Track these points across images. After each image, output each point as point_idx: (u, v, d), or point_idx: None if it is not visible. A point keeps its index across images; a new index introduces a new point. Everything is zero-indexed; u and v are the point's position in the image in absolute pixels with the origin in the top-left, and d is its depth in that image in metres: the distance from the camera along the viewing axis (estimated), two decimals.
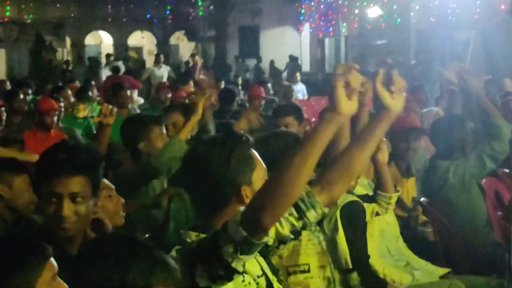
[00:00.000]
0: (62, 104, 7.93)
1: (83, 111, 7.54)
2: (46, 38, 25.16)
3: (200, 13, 26.95)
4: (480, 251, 4.86)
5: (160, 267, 2.04)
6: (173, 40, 29.16)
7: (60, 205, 2.71)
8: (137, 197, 4.73)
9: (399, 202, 4.98)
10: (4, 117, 7.72)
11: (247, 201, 2.44)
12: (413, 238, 4.82)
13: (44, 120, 6.99)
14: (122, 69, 17.55)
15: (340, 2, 24.14)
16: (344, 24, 24.87)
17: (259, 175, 2.56)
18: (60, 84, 11.91)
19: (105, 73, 17.47)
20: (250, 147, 2.59)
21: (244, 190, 2.51)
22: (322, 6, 25.50)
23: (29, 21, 26.55)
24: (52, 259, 2.41)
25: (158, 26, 28.01)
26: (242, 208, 2.28)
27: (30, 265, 2.36)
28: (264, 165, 2.60)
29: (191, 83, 13.51)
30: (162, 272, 2.04)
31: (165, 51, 25.29)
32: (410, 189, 5.57)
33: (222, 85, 13.64)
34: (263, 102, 8.65)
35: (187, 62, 21.25)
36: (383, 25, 22.06)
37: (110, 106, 4.86)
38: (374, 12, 22.68)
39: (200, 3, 26.81)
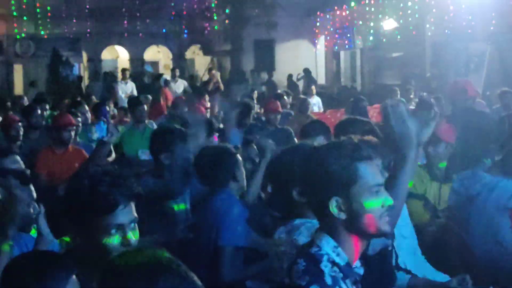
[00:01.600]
0: (79, 119, 8.01)
1: (95, 133, 7.70)
2: (62, 53, 25.30)
3: (216, 27, 27.05)
4: (501, 265, 4.82)
5: (185, 284, 2.02)
6: (188, 54, 29.26)
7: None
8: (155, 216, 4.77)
9: (428, 204, 4.98)
10: (21, 132, 7.80)
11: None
12: (432, 248, 4.79)
13: (61, 135, 7.06)
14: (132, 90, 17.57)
15: (355, 15, 24.16)
16: (360, 36, 24.87)
17: None
18: (78, 99, 11.97)
19: (121, 87, 17.56)
20: None
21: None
22: (337, 19, 25.53)
23: (45, 36, 26.73)
24: (75, 276, 2.43)
25: (174, 40, 28.12)
26: None
27: (55, 278, 2.39)
28: None
29: (207, 97, 13.59)
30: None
31: (181, 65, 25.37)
32: (445, 194, 5.49)
33: (238, 98, 13.68)
34: (279, 116, 8.68)
35: (206, 81, 21.29)
36: (398, 38, 22.04)
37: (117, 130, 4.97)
38: (389, 24, 22.68)
39: (215, 17, 26.92)
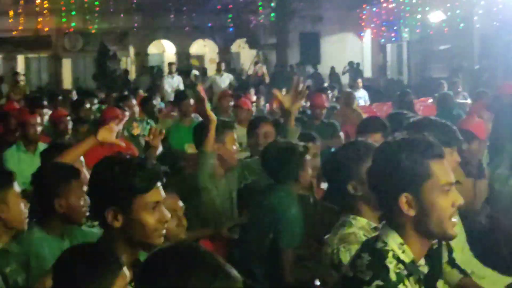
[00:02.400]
0: (127, 113, 8.09)
1: (136, 129, 7.71)
2: (110, 47, 25.59)
3: (261, 21, 27.05)
4: None
5: (222, 280, 2.03)
6: (234, 48, 29.34)
7: (161, 212, 2.73)
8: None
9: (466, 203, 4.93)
10: (70, 126, 7.92)
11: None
12: (479, 244, 4.74)
13: None
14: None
15: (402, 7, 23.93)
16: (406, 29, 24.65)
17: None
18: (125, 93, 12.10)
19: (168, 82, 17.67)
20: None
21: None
22: (383, 11, 25.33)
23: (93, 31, 27.06)
24: (125, 268, 2.47)
25: (220, 34, 28.21)
26: None
27: (105, 272, 2.43)
28: None
29: (252, 91, 13.61)
30: (222, 283, 2.03)
31: (226, 59, 25.46)
32: (482, 190, 5.46)
33: (284, 93, 13.67)
34: (324, 111, 8.66)
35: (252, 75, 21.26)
36: (446, 30, 21.78)
37: (159, 128, 4.99)
38: (436, 17, 22.42)
39: (261, 11, 26.92)
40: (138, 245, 2.74)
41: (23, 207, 3.39)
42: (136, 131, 7.85)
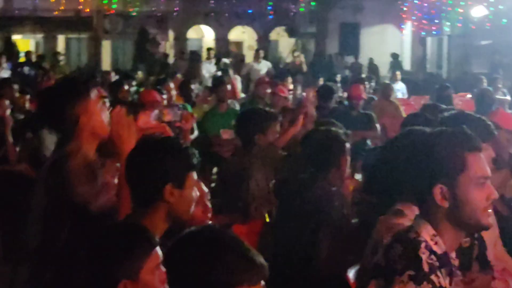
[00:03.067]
0: (164, 97, 8.14)
1: (167, 116, 7.75)
2: (150, 31, 25.69)
3: (302, 9, 26.95)
4: None
5: (247, 266, 2.04)
6: (273, 35, 29.28)
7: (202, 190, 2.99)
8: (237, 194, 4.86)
9: (504, 200, 4.88)
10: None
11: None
12: None
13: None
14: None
15: (444, 0, 23.67)
16: (448, 23, 24.37)
17: None
18: (163, 76, 12.16)
19: (205, 67, 17.71)
20: None
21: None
22: (425, 4, 25.06)
23: (134, 14, 27.20)
24: (158, 248, 2.49)
25: (259, 21, 28.16)
26: None
27: (137, 252, 2.46)
28: None
29: (289, 79, 13.58)
30: (249, 271, 2.04)
31: (265, 46, 25.42)
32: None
33: (321, 82, 13.65)
34: (362, 102, 8.63)
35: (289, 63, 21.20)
36: (488, 25, 21.50)
37: (191, 113, 5.10)
38: (479, 11, 22.14)
39: None
40: (177, 221, 2.85)
41: (105, 116, 3.53)
42: (167, 118, 7.87)
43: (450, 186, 2.44)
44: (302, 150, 4.69)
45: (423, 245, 2.45)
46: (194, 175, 2.87)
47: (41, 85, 8.96)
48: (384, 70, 23.31)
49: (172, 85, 9.29)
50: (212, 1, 27.40)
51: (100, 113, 3.52)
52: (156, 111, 7.02)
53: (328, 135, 4.56)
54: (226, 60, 19.54)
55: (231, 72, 16.65)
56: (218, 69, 17.60)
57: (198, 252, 2.06)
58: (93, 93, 3.53)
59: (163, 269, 2.48)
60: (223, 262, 2.03)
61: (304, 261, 4.33)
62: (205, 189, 3.46)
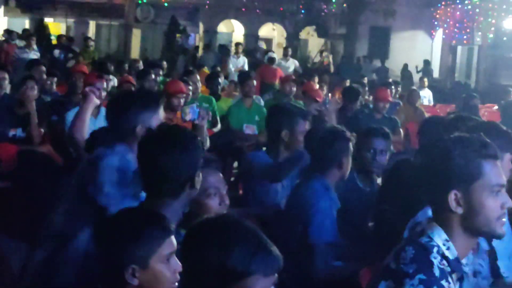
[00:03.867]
0: (190, 88, 8.16)
1: (189, 115, 7.74)
2: (180, 22, 25.77)
3: (333, 10, 26.89)
4: None
5: (261, 256, 2.06)
6: (303, 34, 29.25)
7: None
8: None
9: None
10: None
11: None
12: None
13: (171, 101, 7.21)
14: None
15: (477, 10, 23.53)
16: (479, 33, 24.22)
17: None
18: (190, 68, 12.20)
19: (233, 61, 17.75)
20: None
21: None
22: (458, 13, 24.93)
23: (166, 4, 27.29)
24: (172, 237, 2.50)
25: (290, 19, 28.14)
26: None
27: (148, 238, 2.46)
28: None
29: (316, 79, 13.58)
30: (263, 261, 2.06)
31: (294, 44, 25.39)
32: None
33: (347, 84, 13.61)
34: (387, 105, 8.60)
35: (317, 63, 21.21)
36: None
37: (207, 110, 5.11)
38: (511, 24, 21.97)
39: (334, 0, 26.76)
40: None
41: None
42: (188, 117, 7.87)
43: (465, 193, 2.44)
44: (305, 145, 4.66)
45: (435, 249, 2.46)
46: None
47: (72, 69, 8.99)
48: (414, 75, 23.20)
49: (198, 77, 9.32)
50: None
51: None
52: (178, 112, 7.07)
53: (333, 132, 4.49)
54: (273, 55, 19.44)
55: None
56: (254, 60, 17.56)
57: (216, 239, 2.08)
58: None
59: (176, 259, 2.49)
60: (240, 251, 2.05)
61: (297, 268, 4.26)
62: (223, 182, 3.47)
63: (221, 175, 3.44)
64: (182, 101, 7.32)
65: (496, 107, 13.38)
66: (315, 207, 4.16)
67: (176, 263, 2.46)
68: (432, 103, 15.53)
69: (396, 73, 23.70)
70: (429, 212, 3.08)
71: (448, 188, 2.45)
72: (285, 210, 4.49)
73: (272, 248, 2.09)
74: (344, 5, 26.19)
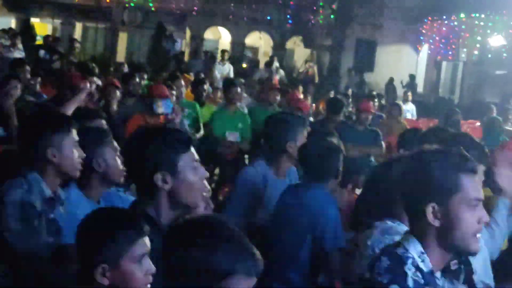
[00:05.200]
0: (174, 93, 8.16)
1: (161, 108, 7.75)
2: (167, 27, 25.75)
3: (320, 21, 26.98)
4: None
5: (246, 256, 2.07)
6: (289, 44, 29.33)
7: (202, 170, 2.83)
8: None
9: None
10: (117, 96, 8.03)
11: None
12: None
13: (152, 105, 7.18)
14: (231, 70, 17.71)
15: (463, 27, 23.70)
16: (465, 49, 24.39)
17: None
18: (176, 73, 12.20)
19: (219, 68, 17.78)
20: None
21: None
22: (444, 28, 25.08)
23: (153, 9, 27.28)
24: (146, 238, 2.49)
25: (277, 29, 28.23)
26: None
27: (119, 238, 2.46)
28: None
29: (300, 88, 13.62)
30: (247, 261, 2.07)
31: (280, 54, 25.46)
32: None
33: (331, 95, 13.67)
34: (370, 116, 8.62)
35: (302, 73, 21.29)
36: (504, 56, 21.52)
37: (181, 107, 5.05)
38: (496, 41, 22.17)
39: (321, 11, 26.85)
40: (182, 207, 2.75)
41: (77, 156, 3.40)
42: (160, 110, 7.88)
43: (443, 206, 2.45)
44: (300, 159, 4.67)
45: (410, 261, 2.46)
46: (190, 156, 2.75)
47: (58, 70, 8.98)
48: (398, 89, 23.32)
49: (182, 82, 9.32)
50: (232, 4, 27.47)
51: (73, 152, 3.40)
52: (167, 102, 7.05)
53: (327, 145, 4.62)
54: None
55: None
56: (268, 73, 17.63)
57: (201, 238, 2.08)
58: (74, 131, 3.43)
59: (149, 261, 2.48)
60: (225, 249, 2.05)
61: (307, 276, 4.31)
62: (208, 187, 3.46)
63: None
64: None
65: (478, 123, 13.47)
66: (325, 216, 4.24)
67: (149, 265, 2.46)
68: (415, 117, 15.60)
69: (381, 86, 23.80)
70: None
71: (426, 200, 2.46)
72: (287, 220, 4.43)
73: (255, 250, 2.10)
74: (332, 16, 26.30)
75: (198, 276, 2.04)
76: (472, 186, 2.46)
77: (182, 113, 4.92)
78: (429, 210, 2.45)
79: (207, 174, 2.83)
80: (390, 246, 2.59)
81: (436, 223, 2.46)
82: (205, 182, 2.85)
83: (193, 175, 2.75)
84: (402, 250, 2.50)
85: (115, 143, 3.68)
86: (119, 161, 3.60)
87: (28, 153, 3.39)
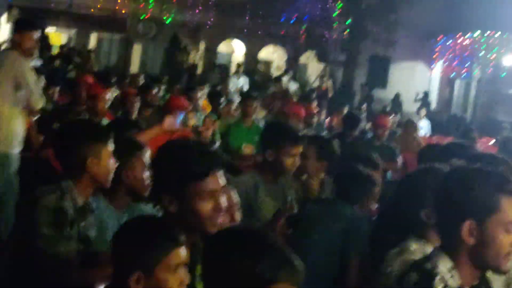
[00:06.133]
0: (190, 105, 8.21)
1: (191, 120, 7.79)
2: (182, 40, 25.84)
3: (334, 37, 27.03)
4: None
5: (289, 265, 2.07)
6: (303, 59, 29.37)
7: (217, 201, 2.67)
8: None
9: None
10: (137, 107, 8.08)
11: None
12: None
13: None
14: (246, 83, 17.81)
15: (476, 46, 23.68)
16: (478, 67, 24.37)
17: None
18: (193, 86, 12.26)
19: (233, 81, 17.82)
20: None
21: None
22: (458, 46, 25.07)
23: (168, 21, 27.39)
24: (183, 248, 2.50)
25: (291, 43, 28.27)
26: None
27: (155, 246, 2.48)
28: None
29: (315, 103, 13.60)
30: (290, 269, 2.07)
31: (293, 68, 25.49)
32: None
33: (345, 111, 13.66)
34: (387, 132, 8.64)
35: (317, 88, 21.39)
36: None
37: (213, 120, 5.03)
38: (510, 60, 22.15)
39: (335, 27, 26.89)
40: (193, 231, 2.68)
41: (113, 166, 3.44)
42: (192, 122, 7.94)
43: (479, 225, 2.46)
44: (336, 184, 4.89)
45: (438, 277, 2.48)
46: (205, 185, 2.65)
47: (77, 79, 9.04)
48: (408, 106, 23.30)
49: (199, 94, 9.37)
50: (247, 18, 27.55)
51: (109, 163, 3.43)
52: (181, 115, 7.08)
53: (365, 175, 4.86)
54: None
55: None
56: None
57: (245, 246, 2.08)
58: (111, 141, 3.45)
59: (185, 271, 2.50)
60: (269, 258, 2.05)
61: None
62: (236, 199, 3.47)
63: (232, 190, 3.46)
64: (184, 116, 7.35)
65: (492, 141, 13.45)
66: (356, 222, 4.55)
67: (184, 275, 2.48)
68: (429, 134, 15.59)
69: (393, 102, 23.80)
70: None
71: (464, 217, 2.47)
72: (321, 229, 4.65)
73: (297, 261, 2.11)
74: (346, 32, 26.33)
75: (241, 284, 2.05)
76: (511, 208, 2.48)
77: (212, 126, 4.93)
78: (465, 227, 2.47)
79: (224, 206, 2.72)
80: (419, 261, 2.60)
81: (471, 241, 2.47)
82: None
83: (203, 203, 2.68)
84: (431, 266, 2.51)
85: (147, 157, 3.69)
86: (147, 176, 3.62)
87: (65, 161, 3.42)
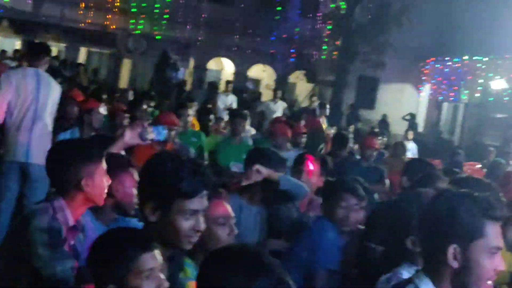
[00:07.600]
0: (180, 122, 8.18)
1: (151, 134, 7.70)
2: (171, 56, 25.85)
3: (324, 57, 27.15)
4: None
5: (283, 285, 2.06)
6: (292, 78, 29.46)
7: (197, 221, 2.72)
8: None
9: None
10: (126, 122, 8.05)
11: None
12: None
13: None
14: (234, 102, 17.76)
15: (465, 69, 23.84)
16: (466, 91, 24.52)
17: None
18: (183, 102, 12.25)
19: (222, 99, 17.80)
20: None
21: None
22: (446, 70, 25.23)
23: (158, 37, 27.44)
24: (153, 253, 2.50)
25: (280, 62, 28.38)
26: None
27: (121, 256, 2.50)
28: None
29: (303, 122, 13.63)
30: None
31: (282, 87, 25.55)
32: None
33: (333, 131, 13.69)
34: (375, 153, 8.66)
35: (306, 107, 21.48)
36: (505, 99, 21.63)
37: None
38: (498, 84, 22.30)
39: (325, 48, 27.02)
40: (168, 244, 2.73)
41: (106, 184, 3.40)
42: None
43: (463, 249, 2.47)
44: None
45: None
46: (190, 204, 2.71)
47: (65, 94, 9.01)
48: (396, 127, 23.38)
49: (190, 111, 9.36)
50: (237, 36, 27.64)
51: (103, 182, 3.40)
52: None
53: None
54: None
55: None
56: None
57: (241, 264, 2.07)
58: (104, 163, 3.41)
59: (160, 276, 2.51)
60: (264, 278, 2.04)
61: None
62: (232, 213, 3.47)
63: (229, 206, 3.46)
64: (172, 133, 7.32)
65: (479, 165, 13.50)
66: (322, 236, 4.54)
67: (161, 280, 2.48)
68: (416, 156, 15.60)
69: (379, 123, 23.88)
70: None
71: (449, 242, 2.48)
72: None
73: (291, 283, 2.10)
74: (335, 53, 26.44)
75: None
76: (495, 234, 2.49)
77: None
78: (450, 251, 2.48)
79: (202, 228, 2.77)
80: (401, 283, 2.61)
81: (455, 264, 2.48)
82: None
83: (184, 221, 2.74)
84: (413, 287, 2.52)
85: (136, 174, 3.67)
86: (134, 193, 3.61)
87: (58, 181, 3.37)
